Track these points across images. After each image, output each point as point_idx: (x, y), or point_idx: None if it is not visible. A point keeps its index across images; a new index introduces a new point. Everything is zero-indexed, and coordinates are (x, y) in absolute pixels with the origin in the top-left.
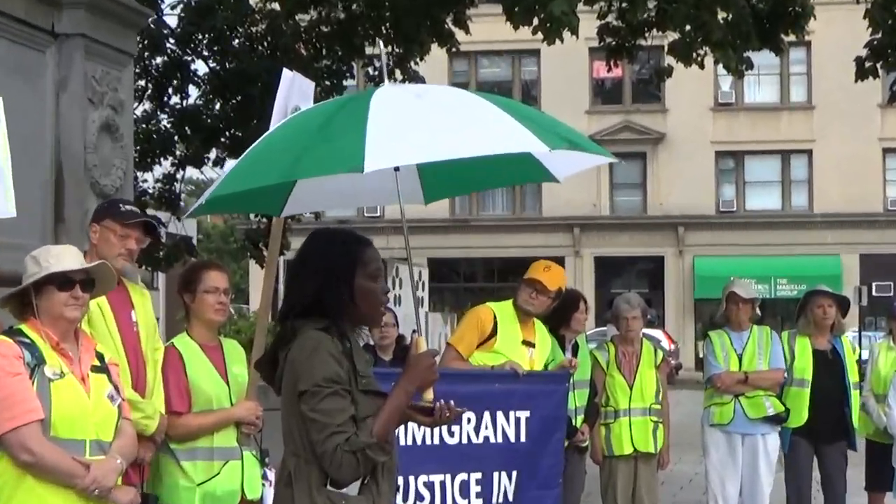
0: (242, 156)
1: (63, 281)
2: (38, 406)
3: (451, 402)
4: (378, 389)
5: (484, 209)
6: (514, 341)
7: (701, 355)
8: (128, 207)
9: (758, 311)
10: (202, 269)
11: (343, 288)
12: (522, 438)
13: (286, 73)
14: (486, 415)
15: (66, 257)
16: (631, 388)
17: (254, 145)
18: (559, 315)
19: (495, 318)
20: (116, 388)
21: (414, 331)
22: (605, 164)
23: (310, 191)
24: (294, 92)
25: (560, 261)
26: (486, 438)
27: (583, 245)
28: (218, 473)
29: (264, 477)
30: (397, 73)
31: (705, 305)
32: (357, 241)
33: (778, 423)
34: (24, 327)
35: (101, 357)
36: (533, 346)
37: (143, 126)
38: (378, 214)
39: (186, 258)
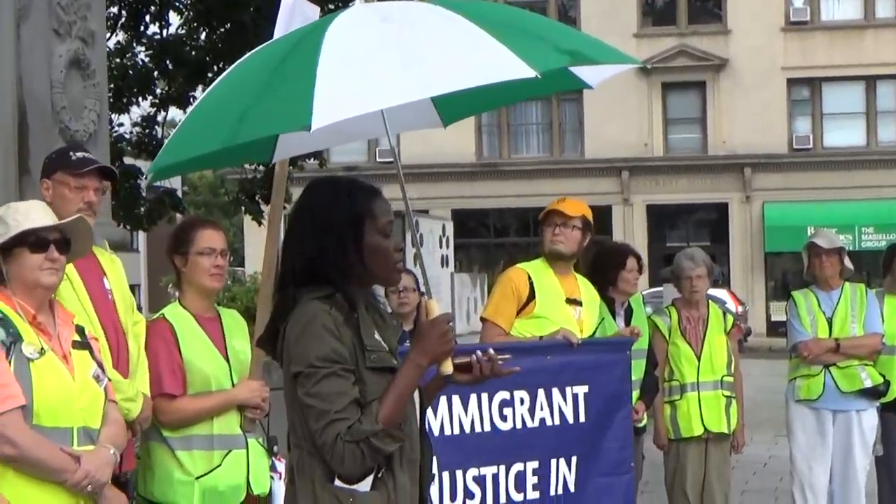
0: (187, 113)
1: (35, 241)
2: (19, 391)
3: (490, 349)
4: (391, 365)
5: (516, 151)
6: (556, 301)
7: (774, 318)
8: (79, 155)
9: (848, 264)
10: (195, 228)
11: (349, 247)
12: (582, 418)
13: None
14: (541, 393)
15: (34, 214)
16: (699, 359)
17: (199, 100)
18: (604, 274)
19: (530, 278)
20: (101, 366)
21: (422, 293)
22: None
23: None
24: (296, 18)
25: (606, 210)
26: (542, 420)
27: (633, 191)
28: (219, 465)
29: (272, 468)
30: None
31: (777, 260)
32: (364, 192)
33: (876, 397)
34: None
35: (81, 331)
36: (579, 303)
37: (118, 61)
38: (392, 159)
39: (171, 214)
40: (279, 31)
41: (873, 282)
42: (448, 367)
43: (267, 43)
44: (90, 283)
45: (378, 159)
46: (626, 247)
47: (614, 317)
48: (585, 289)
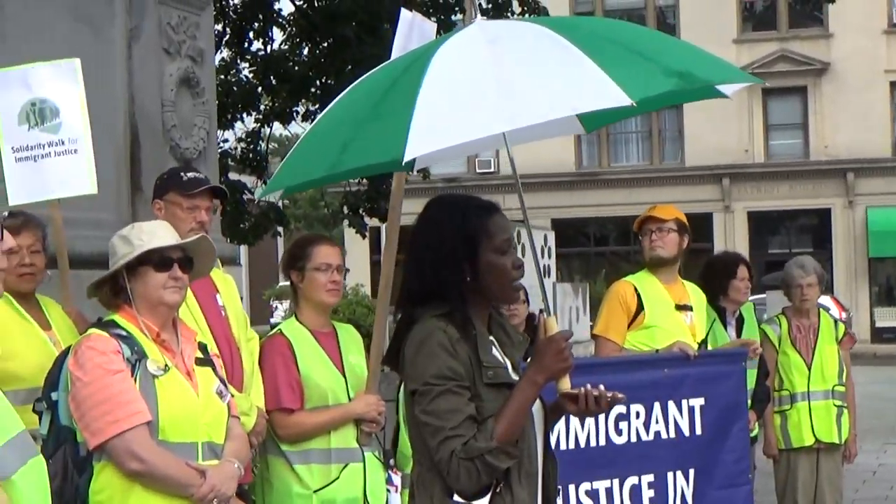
0: (301, 136)
1: (160, 260)
2: (145, 407)
3: (602, 385)
4: (509, 381)
5: (616, 160)
6: (665, 308)
7: (878, 324)
8: (190, 175)
9: None
10: (312, 244)
11: (464, 266)
12: (698, 431)
13: (405, 14)
14: (657, 406)
15: (159, 233)
16: (809, 368)
17: (314, 123)
18: (715, 283)
19: (636, 289)
20: (224, 382)
21: (541, 310)
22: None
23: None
24: (414, 36)
25: (707, 217)
26: (658, 434)
27: (734, 198)
28: (337, 478)
29: (389, 481)
30: (515, 3)
31: (881, 265)
32: (480, 209)
33: None
34: (118, 318)
35: (203, 348)
36: (689, 308)
37: (222, 77)
38: (492, 170)
39: (276, 229)
40: (397, 49)
41: None
42: (566, 385)
43: (382, 65)
44: (204, 300)
45: (478, 170)
46: (737, 255)
47: (725, 326)
48: (693, 293)
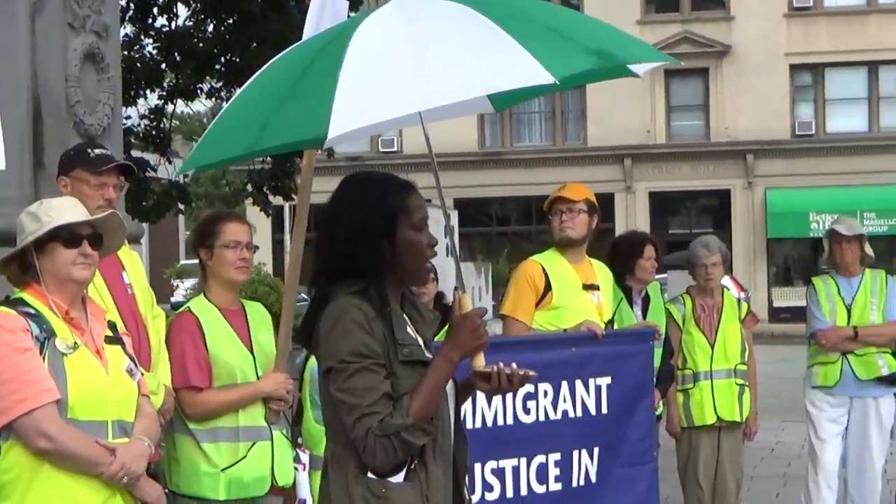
0: (219, 113)
1: (69, 237)
2: (53, 385)
3: (514, 364)
4: (424, 358)
5: (519, 140)
6: (573, 289)
7: (776, 304)
8: (97, 152)
9: (869, 251)
10: (221, 221)
11: (382, 243)
12: (604, 409)
13: None
14: (564, 385)
15: (68, 210)
16: (712, 347)
17: (231, 100)
18: (621, 263)
19: (544, 269)
20: (133, 360)
21: (456, 288)
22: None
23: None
24: (326, 14)
25: (609, 198)
26: (565, 413)
27: (635, 179)
28: (244, 457)
29: (296, 459)
30: None
31: (779, 246)
32: (399, 187)
33: (894, 385)
34: (26, 295)
35: (113, 326)
36: (596, 287)
37: (125, 53)
38: (395, 149)
39: (178, 207)
40: (309, 28)
41: (876, 267)
42: (480, 362)
43: (298, 44)
44: (110, 277)
45: (381, 149)
46: (644, 235)
47: (632, 305)
48: (600, 272)
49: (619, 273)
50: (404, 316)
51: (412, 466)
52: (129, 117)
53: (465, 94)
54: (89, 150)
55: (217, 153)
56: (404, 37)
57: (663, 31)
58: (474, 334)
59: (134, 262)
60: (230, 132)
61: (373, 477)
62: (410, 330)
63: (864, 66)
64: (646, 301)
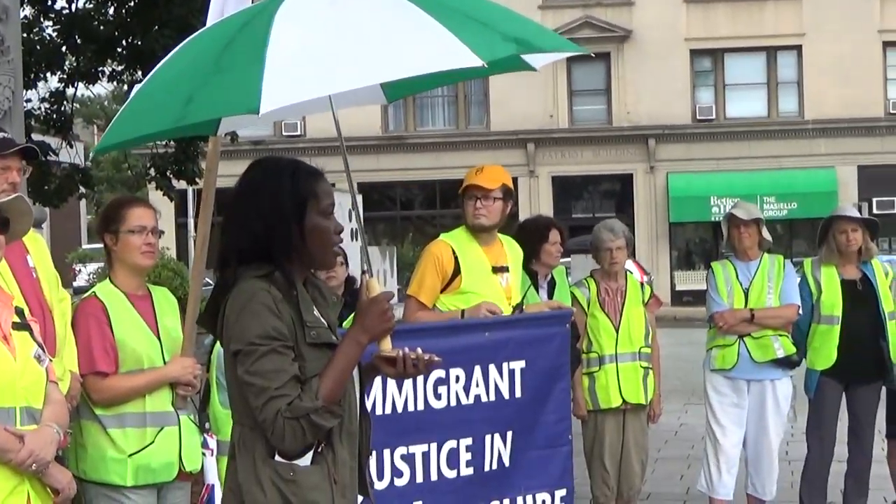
0: (134, 91)
1: None
2: None
3: (419, 348)
4: (331, 341)
5: (422, 124)
6: (482, 272)
7: (678, 287)
8: (0, 135)
9: (766, 235)
10: (125, 206)
11: (292, 227)
12: (518, 393)
13: None
14: (477, 370)
15: None
16: (617, 331)
17: (145, 80)
18: (526, 247)
19: (454, 251)
20: (41, 346)
21: (364, 271)
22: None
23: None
24: (230, 2)
25: (513, 182)
26: (478, 397)
27: (538, 163)
28: (152, 442)
29: (204, 445)
30: None
31: (681, 230)
32: (309, 174)
33: (790, 367)
34: None
35: (20, 313)
36: (506, 269)
37: (25, 35)
38: (299, 133)
39: (80, 191)
40: (214, 14)
41: (774, 251)
42: (387, 345)
43: (215, 22)
44: (13, 261)
45: (284, 133)
46: (549, 219)
47: (537, 289)
48: (510, 251)
49: (525, 258)
50: (309, 299)
51: (319, 449)
52: (29, 100)
53: (397, 74)
54: None
55: (136, 130)
56: (331, 17)
57: (565, 16)
58: (382, 317)
59: (38, 246)
60: (149, 110)
61: (280, 460)
62: (317, 313)
63: (763, 52)
64: (551, 285)
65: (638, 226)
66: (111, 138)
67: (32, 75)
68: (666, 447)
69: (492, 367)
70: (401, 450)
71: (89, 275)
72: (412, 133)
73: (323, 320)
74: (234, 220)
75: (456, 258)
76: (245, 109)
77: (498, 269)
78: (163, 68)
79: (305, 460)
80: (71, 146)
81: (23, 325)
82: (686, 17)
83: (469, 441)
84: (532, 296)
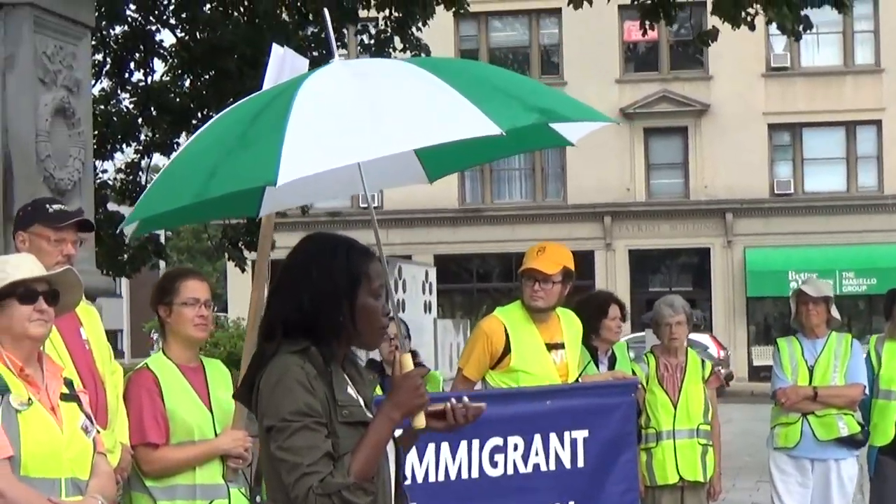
0: (163, 168)
1: (25, 293)
2: (6, 442)
3: (465, 397)
4: (365, 419)
5: (499, 196)
6: (534, 351)
7: (756, 363)
8: (55, 207)
9: (835, 313)
10: (179, 278)
11: (343, 305)
12: (580, 463)
13: (276, 49)
14: (537, 438)
15: (25, 266)
16: (675, 407)
17: (175, 155)
18: (586, 322)
19: (506, 329)
20: (90, 417)
21: (396, 347)
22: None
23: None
24: (286, 71)
25: (589, 255)
26: (537, 466)
27: (615, 236)
28: None
29: None
30: (396, 40)
31: (759, 305)
32: (361, 253)
33: (855, 447)
34: None
35: (69, 384)
36: (561, 346)
37: (102, 107)
38: (376, 205)
39: (154, 261)
40: (268, 84)
41: (854, 327)
42: (421, 422)
43: (247, 98)
44: (67, 333)
45: (361, 205)
46: (609, 295)
47: (597, 365)
48: (567, 327)
49: (584, 333)
50: (345, 376)
51: None
52: (105, 171)
53: (412, 144)
54: (48, 206)
55: (162, 204)
56: (352, 89)
57: (642, 90)
58: (415, 393)
59: (91, 318)
60: (176, 183)
61: None
62: (351, 390)
63: (842, 126)
64: (612, 361)
65: (715, 300)
66: (140, 212)
67: (109, 146)
68: None
69: (553, 436)
70: None
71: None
72: (489, 205)
73: (357, 398)
74: (282, 294)
75: (507, 336)
76: (263, 181)
77: (553, 346)
78: (194, 142)
79: None
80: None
81: (71, 396)
82: (764, 91)
83: None
84: (592, 372)
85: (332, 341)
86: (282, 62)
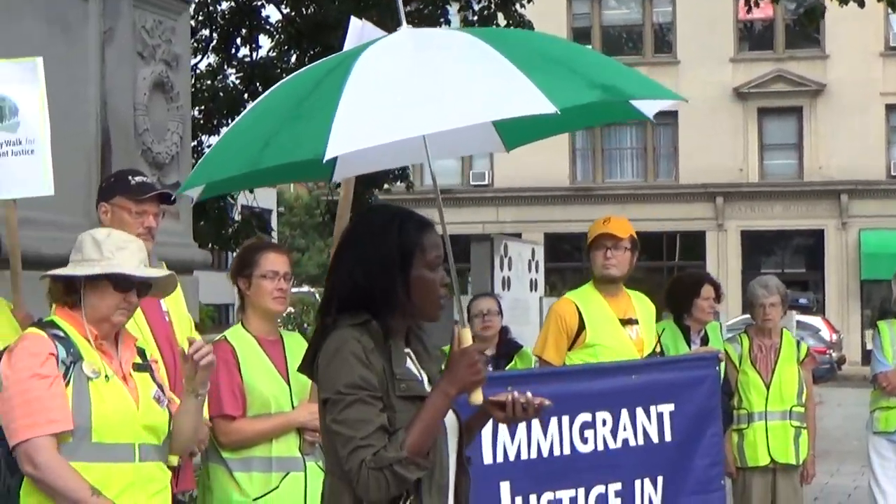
0: (223, 133)
1: (121, 282)
2: (64, 416)
3: (528, 392)
4: (423, 394)
5: (610, 176)
6: (609, 325)
7: (869, 347)
8: (138, 179)
9: None
10: (259, 251)
11: (397, 278)
12: (668, 437)
13: (354, 22)
14: (624, 413)
15: (129, 254)
16: (768, 388)
17: (233, 123)
18: (679, 302)
19: (578, 308)
20: (161, 387)
21: (456, 322)
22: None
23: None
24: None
25: (700, 236)
26: (626, 441)
27: (727, 217)
28: (277, 487)
29: None
30: (500, 17)
31: (874, 287)
32: (416, 223)
33: None
34: (58, 318)
35: (142, 353)
36: (635, 321)
37: (208, 82)
38: (486, 182)
39: (257, 236)
40: (349, 45)
41: None
42: (478, 398)
43: (310, 66)
44: (147, 304)
45: (471, 182)
46: (702, 275)
47: (689, 344)
48: (640, 305)
49: (677, 312)
50: (408, 351)
51: (407, 501)
52: (209, 146)
53: (464, 120)
54: (130, 178)
55: (215, 172)
56: (408, 63)
57: (757, 70)
58: (472, 369)
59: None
60: (232, 151)
61: None
62: (412, 365)
63: None
64: (704, 340)
65: (829, 283)
66: (194, 179)
67: (215, 121)
68: None
69: (639, 411)
70: (547, 495)
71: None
72: (600, 184)
73: (417, 373)
74: (339, 267)
75: (580, 313)
76: (312, 154)
77: (626, 322)
78: (252, 110)
79: None
80: (250, 191)
81: (144, 367)
82: (882, 70)
83: (618, 486)
84: (684, 351)
85: (388, 314)
86: (360, 34)
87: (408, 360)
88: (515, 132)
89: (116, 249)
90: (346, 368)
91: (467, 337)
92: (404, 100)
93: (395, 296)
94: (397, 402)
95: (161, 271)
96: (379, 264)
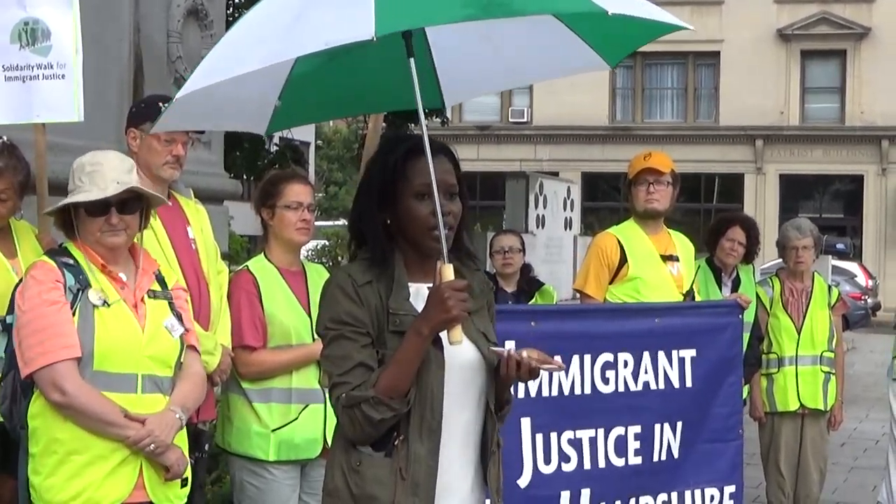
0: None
1: (91, 207)
2: (75, 342)
3: (524, 351)
4: None
5: (650, 116)
6: (651, 260)
7: None
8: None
9: None
10: (283, 182)
11: (386, 211)
12: (688, 383)
13: None
14: (646, 356)
15: (100, 175)
16: (799, 333)
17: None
18: (708, 241)
19: (619, 242)
20: (180, 317)
21: (438, 259)
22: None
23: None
24: None
25: (738, 178)
26: (646, 384)
27: (766, 160)
28: (296, 418)
29: None
30: None
31: None
32: (403, 151)
33: None
34: (71, 246)
35: (162, 281)
36: (675, 258)
37: (244, 12)
38: (525, 120)
39: (294, 168)
40: None
41: None
42: (456, 336)
43: None
44: (173, 231)
45: (510, 119)
46: (737, 216)
47: (720, 286)
48: (680, 243)
49: (710, 252)
50: (411, 286)
51: (396, 442)
52: None
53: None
54: (161, 105)
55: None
56: None
57: (801, 11)
58: (442, 307)
59: (200, 217)
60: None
61: (360, 449)
62: (417, 301)
63: None
64: (735, 283)
65: (866, 229)
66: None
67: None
68: (864, 456)
69: (661, 354)
70: (568, 434)
71: (307, 252)
72: (639, 124)
73: (417, 308)
74: (354, 203)
75: (622, 247)
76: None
77: (667, 258)
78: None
79: (380, 450)
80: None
81: (161, 295)
82: None
83: (637, 429)
84: (714, 293)
85: (388, 248)
86: None
87: (410, 296)
88: (616, 45)
89: (86, 175)
90: (332, 303)
91: (448, 273)
92: None
93: (384, 227)
94: (390, 337)
95: (122, 187)
96: (368, 195)
